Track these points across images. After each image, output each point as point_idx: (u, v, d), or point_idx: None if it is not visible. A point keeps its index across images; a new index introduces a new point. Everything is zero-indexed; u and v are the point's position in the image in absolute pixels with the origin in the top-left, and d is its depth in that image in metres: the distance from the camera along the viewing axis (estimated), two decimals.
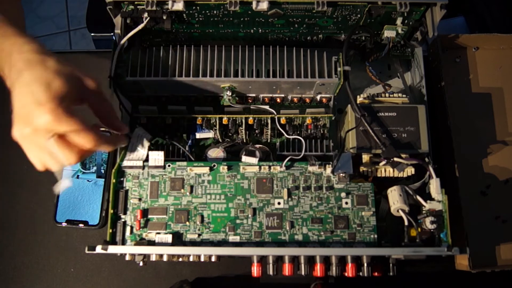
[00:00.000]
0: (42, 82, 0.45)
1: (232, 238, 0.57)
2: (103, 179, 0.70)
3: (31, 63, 0.47)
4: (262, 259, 0.56)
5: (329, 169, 0.59)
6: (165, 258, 0.56)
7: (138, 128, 0.62)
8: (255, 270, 0.55)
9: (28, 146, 0.47)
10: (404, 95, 0.63)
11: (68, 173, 0.71)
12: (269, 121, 0.65)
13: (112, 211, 0.57)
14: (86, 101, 0.51)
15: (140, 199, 0.58)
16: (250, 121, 0.64)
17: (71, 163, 0.49)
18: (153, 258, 0.55)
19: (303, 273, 0.55)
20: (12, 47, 0.48)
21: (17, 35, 0.49)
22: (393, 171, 0.60)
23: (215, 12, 0.61)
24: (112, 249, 0.54)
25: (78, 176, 0.71)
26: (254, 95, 0.65)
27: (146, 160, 0.59)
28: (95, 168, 0.71)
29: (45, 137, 0.46)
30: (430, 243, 0.57)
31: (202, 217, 0.58)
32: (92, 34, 1.10)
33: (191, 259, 0.56)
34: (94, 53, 0.80)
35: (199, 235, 0.57)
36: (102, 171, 0.71)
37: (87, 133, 0.47)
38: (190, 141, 0.64)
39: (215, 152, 0.62)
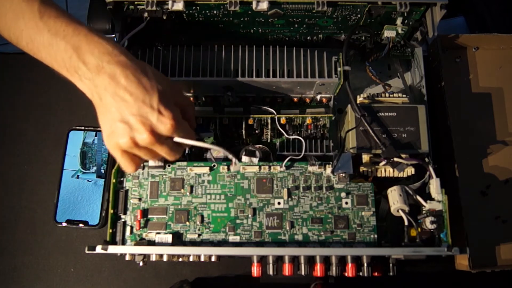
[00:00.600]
0: (151, 89, 0.45)
1: (232, 238, 0.57)
2: (103, 179, 0.70)
3: (126, 67, 0.45)
4: (262, 259, 0.56)
5: (329, 169, 0.59)
6: (165, 258, 0.55)
7: None
8: (255, 270, 0.55)
9: (141, 152, 0.48)
10: (404, 95, 0.63)
11: (68, 173, 0.71)
12: (269, 121, 0.65)
13: (112, 211, 0.57)
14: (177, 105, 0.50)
15: (140, 199, 0.58)
16: (250, 121, 0.64)
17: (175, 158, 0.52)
18: (153, 258, 0.55)
19: (303, 273, 0.55)
20: (94, 46, 0.45)
21: (91, 32, 0.46)
22: (393, 171, 0.60)
23: (215, 12, 0.61)
24: (112, 249, 0.54)
25: (78, 176, 0.71)
26: (254, 95, 0.65)
27: (146, 160, 0.59)
28: (95, 168, 0.71)
29: (163, 143, 0.48)
30: (430, 243, 0.57)
31: (202, 217, 0.58)
32: None
33: (191, 259, 0.55)
34: None
35: (199, 235, 0.57)
36: (102, 171, 0.71)
37: (192, 132, 0.51)
38: None
39: (215, 152, 0.62)
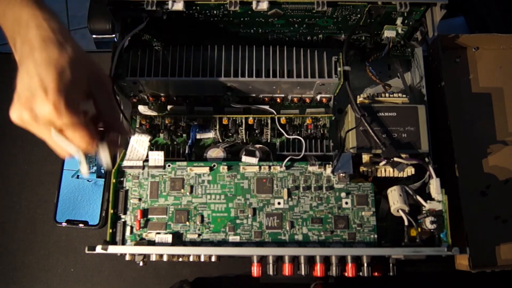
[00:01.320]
0: (55, 68, 0.42)
1: (232, 238, 0.57)
2: (103, 179, 0.70)
3: (48, 43, 0.43)
4: (262, 259, 0.56)
5: (329, 169, 0.59)
6: (165, 258, 0.55)
7: (138, 128, 0.62)
8: (255, 270, 0.55)
9: (28, 128, 0.44)
10: (404, 95, 0.63)
11: (68, 173, 0.71)
12: (269, 121, 0.65)
13: (112, 211, 0.57)
14: (93, 97, 0.47)
15: (140, 199, 0.58)
16: (250, 121, 0.64)
17: (63, 157, 0.47)
18: (153, 258, 0.55)
19: (303, 273, 0.55)
20: (30, 19, 0.44)
21: (38, 6, 0.44)
22: (393, 171, 0.60)
23: (215, 12, 0.61)
24: (112, 249, 0.54)
25: (78, 176, 0.71)
26: (254, 95, 0.65)
27: (146, 160, 0.59)
28: (95, 168, 0.71)
29: (43, 127, 0.43)
30: (430, 243, 0.57)
31: (202, 217, 0.58)
32: (94, 36, 1.10)
33: (191, 259, 0.55)
34: (94, 53, 0.80)
35: (199, 235, 0.57)
36: (102, 171, 0.71)
37: (82, 132, 0.44)
38: (190, 141, 0.64)
39: (215, 152, 0.62)
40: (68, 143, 0.45)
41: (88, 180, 0.71)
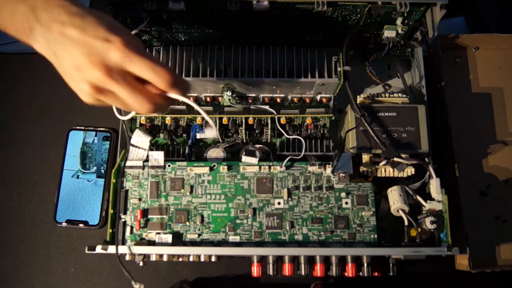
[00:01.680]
0: (102, 21, 0.41)
1: (232, 238, 0.57)
2: (103, 179, 0.70)
3: (80, 13, 0.41)
4: (262, 259, 0.56)
5: (329, 169, 0.59)
6: (165, 258, 0.56)
7: (138, 128, 0.62)
8: (255, 270, 0.55)
9: (105, 87, 0.42)
10: (404, 95, 0.63)
11: (68, 173, 0.71)
12: (269, 121, 0.65)
13: (112, 211, 0.57)
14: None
15: (140, 199, 0.58)
16: (250, 121, 0.64)
17: (148, 111, 0.44)
18: (153, 258, 0.55)
19: (303, 273, 0.55)
20: (46, 2, 0.42)
21: None
22: (393, 171, 0.60)
23: (215, 12, 0.61)
24: (112, 249, 0.54)
25: (78, 176, 0.71)
26: (254, 95, 0.65)
27: (146, 160, 0.59)
28: (95, 168, 0.71)
29: (119, 77, 0.41)
30: (430, 243, 0.57)
31: (202, 217, 0.58)
32: None
33: (191, 259, 0.56)
34: None
35: (199, 235, 0.57)
36: (102, 171, 0.71)
37: (161, 67, 0.42)
38: (190, 141, 0.64)
39: (215, 152, 0.62)
40: (136, 99, 0.43)
41: (88, 180, 0.71)
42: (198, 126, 0.65)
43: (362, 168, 0.60)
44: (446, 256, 0.56)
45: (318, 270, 0.55)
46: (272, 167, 0.59)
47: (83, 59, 0.41)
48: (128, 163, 0.59)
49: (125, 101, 0.43)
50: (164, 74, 0.42)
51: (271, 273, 0.56)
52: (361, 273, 0.56)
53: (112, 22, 0.43)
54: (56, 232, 0.70)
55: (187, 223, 0.58)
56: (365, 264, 0.55)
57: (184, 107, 0.66)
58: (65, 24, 0.41)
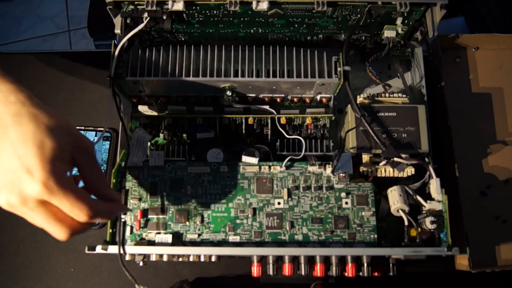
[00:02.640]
0: (33, 143, 0.39)
1: (232, 238, 0.57)
2: None
3: (20, 118, 0.40)
4: (262, 259, 0.56)
5: (329, 169, 0.59)
6: (165, 258, 0.56)
7: (138, 128, 0.62)
8: (255, 270, 0.55)
9: (18, 213, 0.41)
10: (404, 95, 0.63)
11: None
12: (269, 121, 0.65)
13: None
14: (77, 164, 0.43)
15: (140, 199, 0.58)
16: (250, 121, 0.64)
17: (63, 239, 0.42)
18: (153, 258, 0.55)
19: (303, 273, 0.55)
20: None
21: (0, 80, 0.41)
22: (393, 171, 0.60)
23: (215, 12, 0.61)
24: (112, 249, 0.54)
25: None
26: (254, 95, 0.65)
27: (146, 160, 0.59)
28: None
29: (35, 208, 0.40)
30: (430, 243, 0.57)
31: (202, 217, 0.58)
32: (94, 40, 1.10)
33: (191, 259, 0.56)
34: (94, 53, 0.80)
35: (199, 235, 0.57)
36: (102, 171, 0.71)
37: (82, 205, 0.41)
38: (190, 141, 0.64)
39: (215, 152, 0.62)
40: (53, 227, 0.42)
41: None
42: (198, 126, 0.65)
43: (362, 168, 0.60)
44: (446, 256, 0.56)
45: (318, 270, 0.55)
46: (272, 167, 0.59)
47: (5, 178, 0.39)
48: (128, 163, 0.59)
49: (40, 226, 0.42)
50: (84, 209, 0.41)
51: (271, 273, 0.56)
52: (361, 273, 0.56)
53: (52, 139, 0.40)
54: None
55: (187, 223, 0.58)
56: (365, 264, 0.55)
57: (184, 107, 0.66)
58: (6, 129, 0.39)
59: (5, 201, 0.40)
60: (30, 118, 0.40)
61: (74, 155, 0.43)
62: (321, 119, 0.65)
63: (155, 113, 0.66)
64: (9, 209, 0.40)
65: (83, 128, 0.73)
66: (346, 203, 0.58)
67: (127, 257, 0.55)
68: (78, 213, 0.41)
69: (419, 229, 0.57)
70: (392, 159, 0.58)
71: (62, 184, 0.39)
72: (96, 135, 0.73)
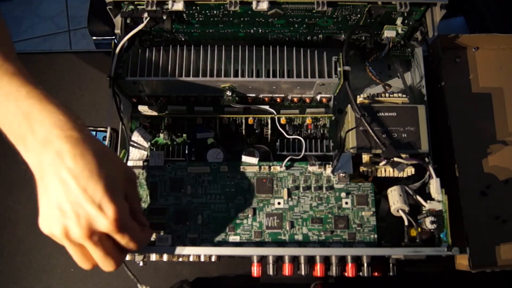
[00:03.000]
0: (99, 177, 0.39)
1: (232, 238, 0.57)
2: None
3: (78, 146, 0.39)
4: (262, 259, 0.56)
5: (329, 169, 0.59)
6: (165, 258, 0.56)
7: (138, 128, 0.62)
8: (255, 270, 0.55)
9: (70, 245, 0.42)
10: (404, 95, 0.63)
11: None
12: (269, 121, 0.65)
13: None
14: (126, 194, 0.44)
15: (140, 199, 0.58)
16: (250, 121, 0.64)
17: (113, 269, 0.43)
18: (153, 258, 0.55)
19: (303, 273, 0.55)
20: (44, 115, 0.39)
21: (48, 99, 0.40)
22: (393, 171, 0.60)
23: (215, 12, 0.61)
24: None
25: None
26: (254, 95, 0.65)
27: (146, 160, 0.59)
28: None
29: (97, 242, 0.40)
30: (430, 243, 0.57)
31: (202, 217, 0.58)
32: (94, 38, 1.10)
33: (191, 259, 0.56)
34: (94, 53, 0.80)
35: (199, 235, 0.57)
36: None
37: (138, 238, 0.43)
38: (190, 141, 0.64)
39: (215, 153, 0.62)
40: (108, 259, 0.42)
41: None
42: (198, 126, 0.65)
43: (362, 168, 0.60)
44: (446, 256, 0.56)
45: (318, 270, 0.55)
46: (272, 167, 0.59)
47: (70, 208, 0.39)
48: (128, 163, 0.59)
49: (93, 259, 0.43)
50: (134, 244, 0.43)
51: (271, 273, 0.56)
52: (361, 273, 0.56)
53: (110, 171, 0.40)
54: None
55: (187, 223, 0.58)
56: (365, 264, 0.55)
57: (184, 107, 0.66)
58: (62, 156, 0.39)
59: (65, 229, 0.40)
60: (88, 148, 0.39)
61: (126, 187, 0.44)
62: (321, 119, 0.65)
63: (155, 113, 0.66)
64: (60, 238, 0.41)
65: None
66: (346, 203, 0.58)
67: (127, 257, 0.55)
68: (134, 245, 0.43)
69: (419, 229, 0.57)
70: (392, 159, 0.58)
71: (128, 220, 0.41)
72: (96, 135, 0.73)
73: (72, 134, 0.39)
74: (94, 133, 0.73)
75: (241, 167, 0.59)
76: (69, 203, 0.39)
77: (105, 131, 0.72)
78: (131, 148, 0.60)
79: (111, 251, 0.42)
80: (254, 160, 0.59)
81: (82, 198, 0.39)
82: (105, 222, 0.39)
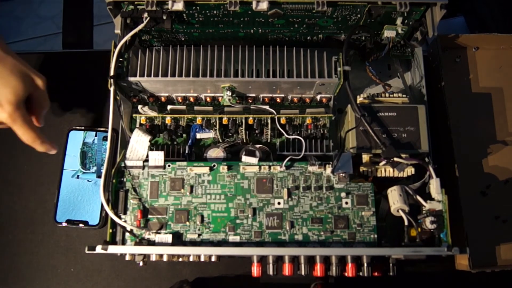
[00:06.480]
0: (1, 82, 0.54)
1: (232, 238, 0.57)
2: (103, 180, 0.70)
3: None
4: (262, 259, 0.56)
5: (329, 169, 0.59)
6: (165, 258, 0.56)
7: (137, 128, 0.62)
8: (255, 270, 0.55)
9: None
10: (404, 95, 0.63)
11: (68, 173, 0.71)
12: (269, 121, 0.65)
13: (112, 211, 0.57)
14: (32, 96, 0.58)
15: (140, 199, 0.58)
16: (250, 121, 0.64)
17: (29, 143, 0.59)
18: (153, 258, 0.55)
19: (303, 273, 0.55)
20: None
21: None
22: (393, 171, 0.60)
23: (215, 12, 0.61)
24: (112, 249, 0.54)
25: (78, 176, 0.71)
26: (254, 95, 0.65)
27: (146, 160, 0.59)
28: (95, 168, 0.71)
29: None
30: (430, 243, 0.57)
31: (202, 217, 0.58)
32: None
33: (191, 259, 0.56)
34: (94, 53, 0.80)
35: (199, 235, 0.57)
36: (102, 171, 0.71)
37: (31, 133, 0.58)
38: (190, 141, 0.64)
39: (215, 152, 0.62)
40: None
41: (88, 180, 0.71)
42: (198, 126, 0.65)
43: (362, 168, 0.60)
44: (446, 256, 0.56)
45: (318, 270, 0.55)
46: (272, 167, 0.59)
47: None
48: (128, 163, 0.59)
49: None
50: (30, 138, 0.58)
51: (271, 273, 0.56)
52: (361, 273, 0.56)
53: (12, 81, 0.55)
54: (56, 232, 0.70)
55: (187, 223, 0.58)
56: (365, 264, 0.55)
57: (184, 107, 0.66)
58: None
59: None
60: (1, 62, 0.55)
61: (31, 90, 0.58)
62: (321, 119, 0.65)
63: (155, 113, 0.66)
64: None
65: (83, 128, 0.73)
66: (346, 203, 0.58)
67: (127, 257, 0.55)
68: (27, 139, 0.58)
69: (419, 229, 0.57)
70: (392, 159, 0.58)
71: (22, 117, 0.56)
72: (96, 135, 0.73)
73: None
74: (94, 133, 0.73)
75: (241, 167, 0.59)
76: None
77: (105, 131, 0.72)
78: (130, 148, 0.60)
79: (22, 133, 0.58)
80: (254, 160, 0.59)
81: None
82: (2, 115, 0.55)
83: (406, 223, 0.57)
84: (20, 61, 0.57)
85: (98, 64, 0.75)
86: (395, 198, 0.58)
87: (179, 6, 0.58)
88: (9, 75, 0.55)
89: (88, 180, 0.70)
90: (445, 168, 0.67)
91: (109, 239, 0.57)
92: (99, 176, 0.71)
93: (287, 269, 0.55)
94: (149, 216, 0.58)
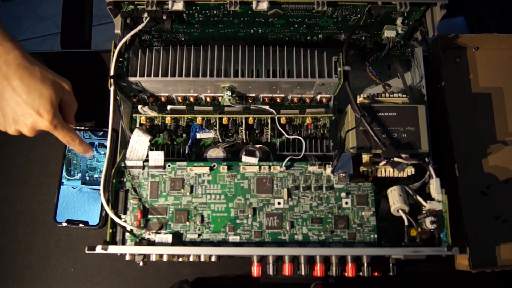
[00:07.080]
0: (36, 93, 0.55)
1: (232, 238, 0.57)
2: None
3: (20, 70, 0.55)
4: (262, 259, 0.56)
5: (329, 169, 0.59)
6: (165, 258, 0.56)
7: (137, 128, 0.62)
8: (255, 270, 0.55)
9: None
10: (404, 95, 0.63)
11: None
12: (269, 121, 0.65)
13: (112, 211, 0.57)
14: (62, 100, 0.60)
15: (140, 199, 0.58)
16: (250, 121, 0.64)
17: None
18: (153, 258, 0.55)
19: (303, 273, 0.55)
20: None
21: (1, 38, 0.55)
22: (393, 171, 0.60)
23: (215, 12, 0.61)
24: (112, 249, 0.54)
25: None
26: (254, 95, 0.65)
27: (146, 160, 0.59)
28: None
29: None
30: (430, 243, 0.57)
31: (202, 217, 0.58)
32: None
33: (191, 259, 0.56)
34: (94, 53, 0.80)
35: (199, 235, 0.57)
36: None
37: (69, 134, 0.61)
38: (190, 141, 0.64)
39: (215, 152, 0.62)
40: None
41: (73, 187, 0.70)
42: (198, 126, 0.65)
43: (362, 168, 0.60)
44: (446, 256, 0.56)
45: (318, 270, 0.55)
46: (272, 167, 0.59)
47: (10, 114, 0.57)
48: (128, 163, 0.59)
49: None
50: (70, 139, 0.61)
51: (271, 273, 0.56)
52: (361, 273, 0.56)
53: (46, 89, 0.57)
54: (56, 232, 0.70)
55: (187, 223, 0.58)
56: (365, 264, 0.55)
57: (184, 107, 0.66)
58: (9, 79, 0.56)
59: (15, 130, 0.59)
60: (28, 71, 0.56)
61: (61, 96, 0.60)
62: (321, 119, 0.65)
63: (155, 113, 0.66)
64: (16, 134, 0.59)
65: (83, 128, 0.73)
66: (346, 203, 0.58)
67: (127, 257, 0.55)
68: (68, 141, 0.61)
69: (419, 229, 0.57)
70: (392, 159, 0.58)
71: (60, 122, 0.59)
72: (96, 135, 0.73)
73: (18, 62, 0.56)
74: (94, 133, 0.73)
75: (241, 167, 0.59)
76: (19, 115, 0.57)
77: (105, 131, 0.72)
78: (131, 148, 0.60)
79: (62, 136, 0.61)
80: (254, 160, 0.59)
81: (24, 108, 0.56)
82: (44, 123, 0.57)
83: (406, 223, 0.57)
84: (46, 69, 0.58)
85: (98, 64, 0.75)
86: (395, 198, 0.58)
87: (179, 6, 0.58)
88: (41, 85, 0.56)
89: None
90: (445, 168, 0.67)
91: (109, 239, 0.57)
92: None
93: (287, 269, 0.55)
94: (149, 216, 0.58)
